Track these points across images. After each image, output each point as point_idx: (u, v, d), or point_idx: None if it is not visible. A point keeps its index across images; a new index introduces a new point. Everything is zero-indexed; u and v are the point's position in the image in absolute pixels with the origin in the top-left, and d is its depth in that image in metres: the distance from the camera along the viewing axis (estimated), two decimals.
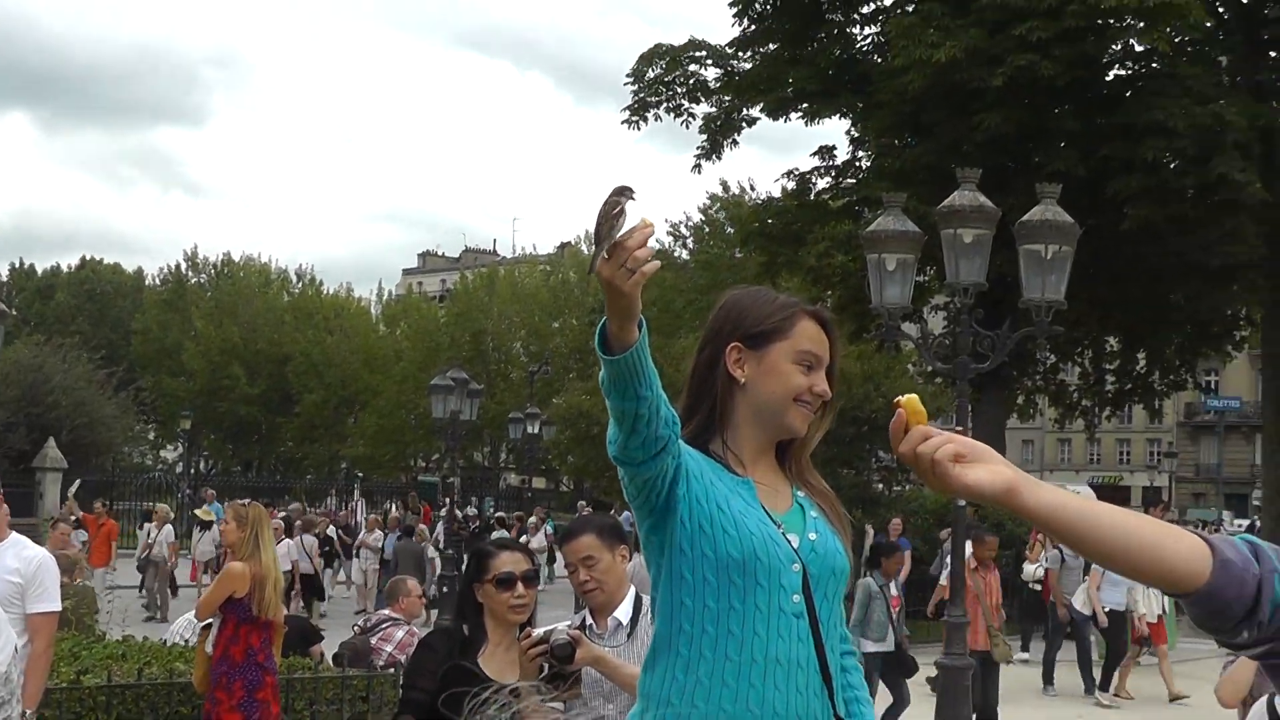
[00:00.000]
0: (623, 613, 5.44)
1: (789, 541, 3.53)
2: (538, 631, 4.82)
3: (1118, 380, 36.93)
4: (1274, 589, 2.30)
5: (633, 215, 3.21)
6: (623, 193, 3.24)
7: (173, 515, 33.58)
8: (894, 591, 15.93)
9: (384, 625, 11.47)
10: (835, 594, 3.62)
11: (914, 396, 2.44)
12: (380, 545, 31.97)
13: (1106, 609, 19.85)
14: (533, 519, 41.75)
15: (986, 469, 2.38)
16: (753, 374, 3.61)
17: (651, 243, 3.18)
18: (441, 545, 32.72)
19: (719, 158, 34.08)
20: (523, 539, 34.45)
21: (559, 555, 39.93)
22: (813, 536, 3.58)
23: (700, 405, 3.65)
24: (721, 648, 3.45)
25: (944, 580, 20.69)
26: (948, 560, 21.39)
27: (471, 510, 45.33)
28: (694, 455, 3.52)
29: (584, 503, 52.11)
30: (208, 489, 45.41)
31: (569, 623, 5.14)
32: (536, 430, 51.76)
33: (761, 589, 3.46)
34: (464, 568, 5.71)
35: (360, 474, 70.86)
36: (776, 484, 3.66)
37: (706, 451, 3.59)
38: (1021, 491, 2.37)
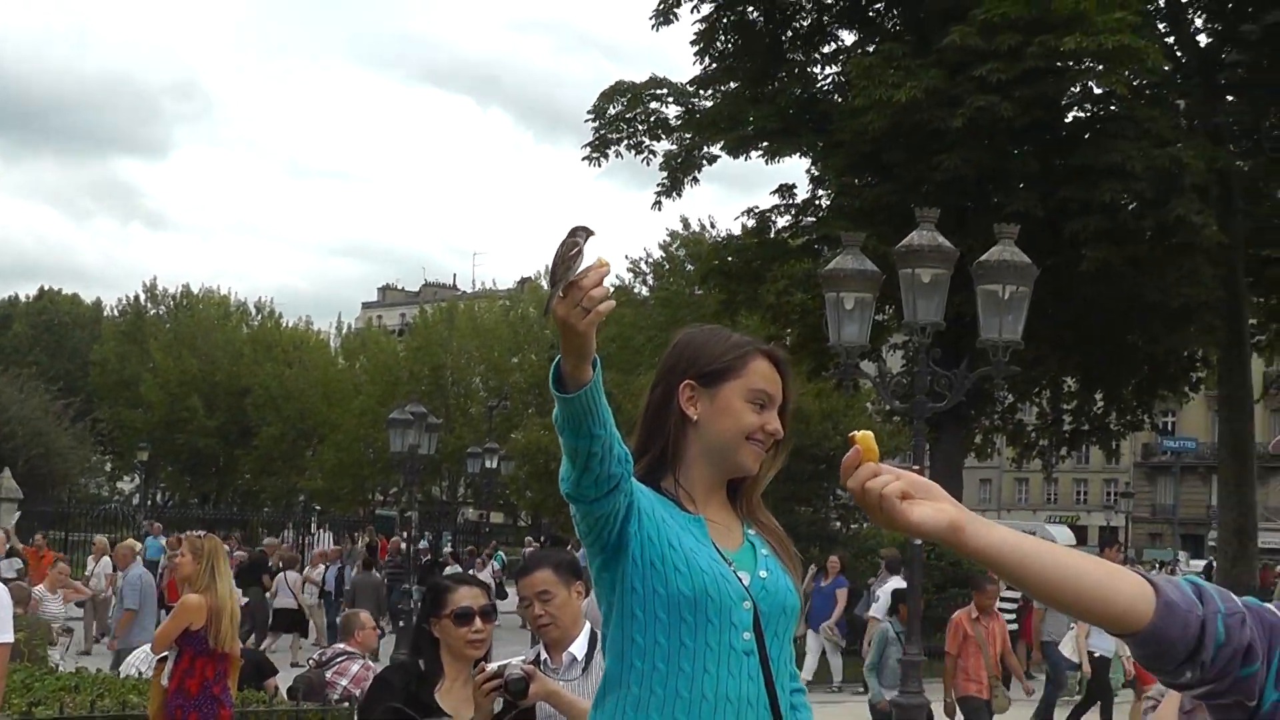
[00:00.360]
0: (578, 648, 5.43)
1: (740, 579, 3.53)
2: (492, 666, 4.82)
3: (1075, 420, 37.01)
4: (1217, 630, 2.32)
5: (590, 254, 3.23)
6: (579, 233, 3.26)
7: (137, 549, 33.27)
8: None
9: (339, 659, 11.42)
10: (785, 632, 3.62)
11: (869, 433, 2.46)
12: (321, 579, 31.74)
13: (1097, 654, 19.67)
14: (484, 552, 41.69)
15: (933, 507, 2.40)
16: (705, 412, 3.61)
17: (608, 281, 3.20)
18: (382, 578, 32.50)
19: (679, 195, 34.10)
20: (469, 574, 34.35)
21: (508, 591, 40.33)
22: (764, 574, 3.59)
23: (653, 443, 3.65)
24: (672, 685, 3.45)
25: (874, 613, 20.69)
26: (876, 596, 21.47)
27: (424, 544, 45.14)
28: (646, 493, 3.52)
29: (531, 538, 52.09)
30: (153, 522, 45.02)
31: (523, 658, 5.16)
32: (495, 465, 51.71)
33: (712, 626, 3.46)
34: (420, 602, 5.69)
35: (318, 507, 70.58)
36: (728, 522, 3.66)
37: (658, 489, 3.59)
38: (966, 529, 2.39)
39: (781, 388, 3.71)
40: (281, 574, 28.32)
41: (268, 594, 28.73)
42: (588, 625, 5.49)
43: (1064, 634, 20.49)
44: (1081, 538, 76.22)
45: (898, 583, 21.37)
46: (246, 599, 28.39)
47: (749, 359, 3.66)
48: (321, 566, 32.63)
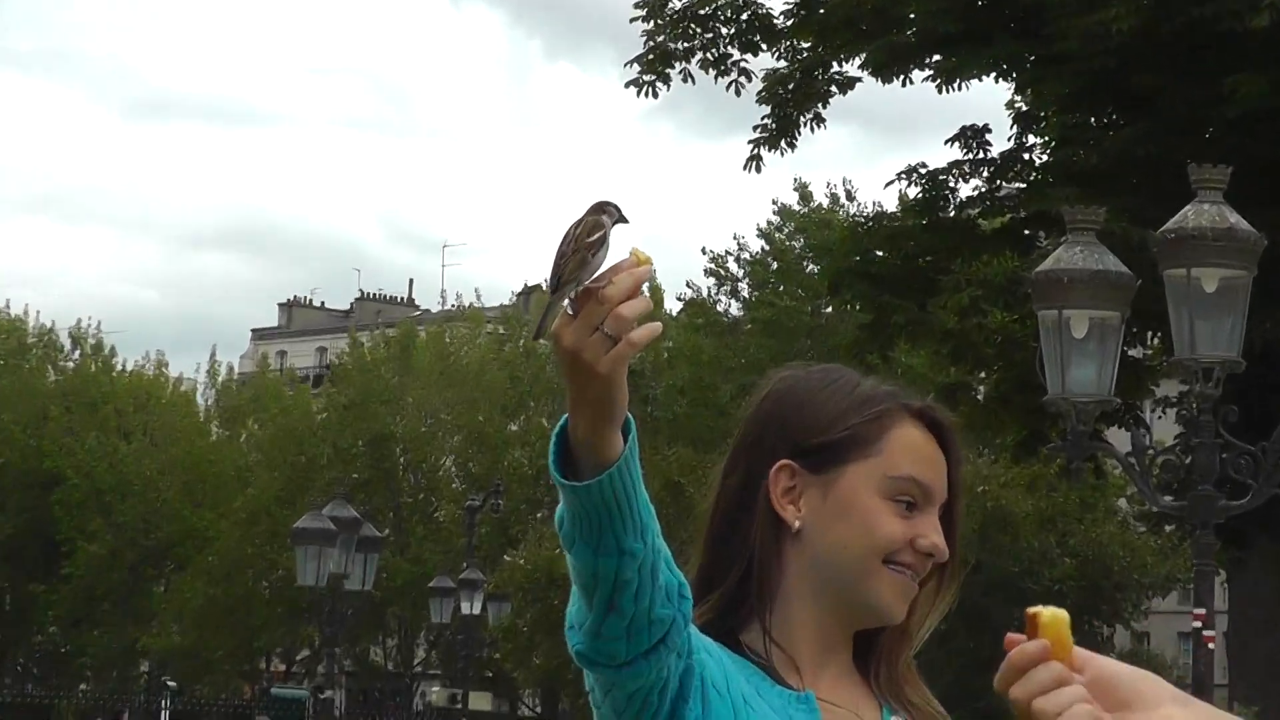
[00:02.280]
0: None
1: None
2: None
3: None
4: None
5: (619, 248, 3.24)
6: (604, 210, 3.27)
7: None
8: None
9: None
10: None
11: (1058, 613, 2.50)
12: None
13: None
14: None
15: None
16: (814, 514, 3.58)
17: (671, 297, 3.18)
18: None
19: (791, 145, 33.95)
20: None
21: None
22: None
23: (726, 567, 3.64)
24: None
25: None
26: None
27: None
28: (714, 652, 3.51)
29: None
30: None
31: None
32: (477, 609, 51.78)
33: None
34: None
35: (172, 682, 70.61)
36: (856, 702, 3.64)
37: (736, 646, 3.59)
38: None
39: (945, 473, 3.67)
40: None
41: None
42: None
43: None
44: None
45: None
46: None
47: (889, 423, 3.63)
48: None
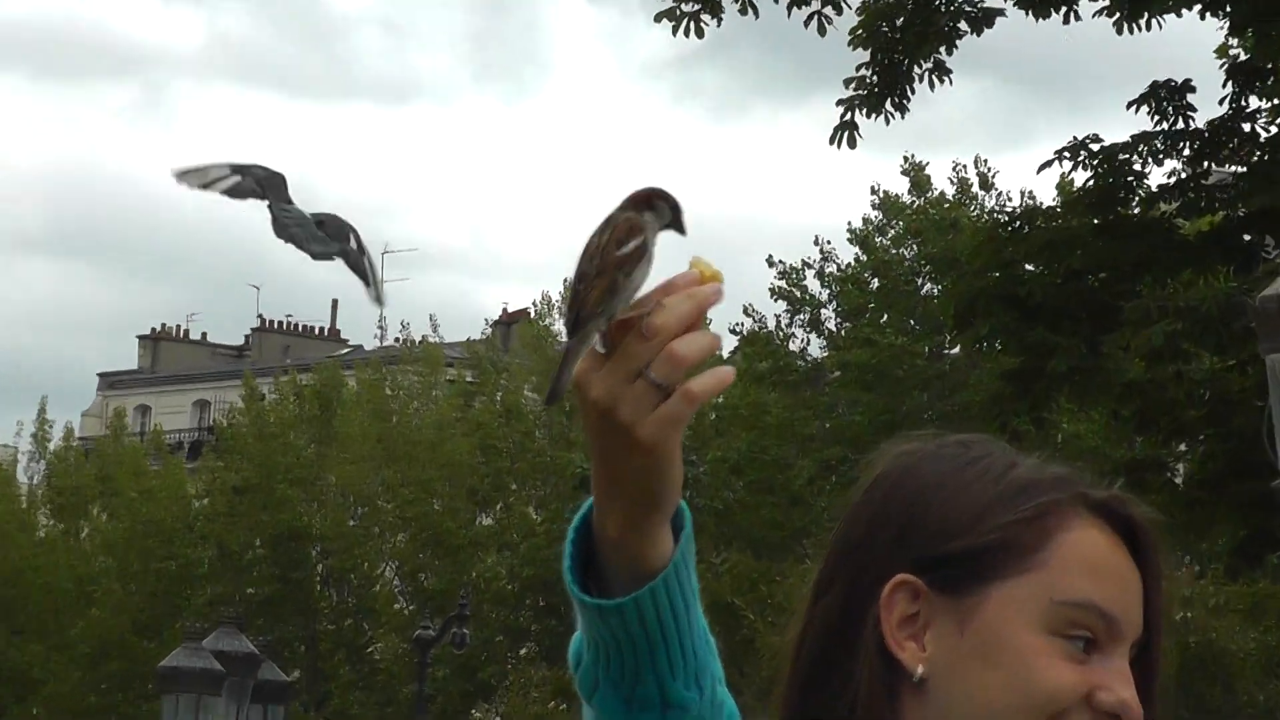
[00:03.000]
0: None
1: None
2: None
3: None
4: None
5: (668, 259, 3.23)
6: (648, 205, 3.22)
7: None
8: None
9: None
10: None
11: None
12: None
13: None
14: None
15: None
16: (945, 655, 3.53)
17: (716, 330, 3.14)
18: None
19: (901, 108, 33.71)
20: None
21: None
22: None
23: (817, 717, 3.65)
24: None
25: None
26: None
27: None
28: None
29: None
30: None
31: None
32: None
33: None
34: None
35: None
36: None
37: None
38: None
39: (1140, 596, 3.62)
40: None
41: None
42: None
43: None
44: None
45: None
46: None
47: (1057, 524, 3.57)
48: None
